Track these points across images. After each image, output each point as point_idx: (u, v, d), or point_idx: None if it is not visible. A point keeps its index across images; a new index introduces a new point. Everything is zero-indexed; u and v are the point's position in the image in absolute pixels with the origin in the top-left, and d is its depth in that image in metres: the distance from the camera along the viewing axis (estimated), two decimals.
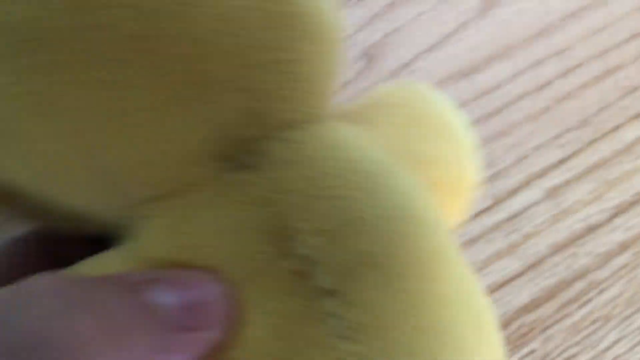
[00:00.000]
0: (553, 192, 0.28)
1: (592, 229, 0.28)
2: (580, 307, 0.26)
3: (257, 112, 0.15)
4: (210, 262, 0.15)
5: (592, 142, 0.29)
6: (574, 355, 0.26)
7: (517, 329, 0.26)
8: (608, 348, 0.26)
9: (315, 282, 0.15)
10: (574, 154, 0.29)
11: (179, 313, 0.14)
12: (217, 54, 0.14)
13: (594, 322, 0.26)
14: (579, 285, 0.27)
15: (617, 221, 0.28)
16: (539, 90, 0.30)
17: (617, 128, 0.29)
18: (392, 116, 0.19)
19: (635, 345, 0.26)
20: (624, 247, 0.28)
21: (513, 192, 0.28)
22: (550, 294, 0.26)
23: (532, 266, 0.27)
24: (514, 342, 0.26)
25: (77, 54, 0.13)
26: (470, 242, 0.27)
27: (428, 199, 0.17)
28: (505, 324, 0.26)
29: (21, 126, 0.14)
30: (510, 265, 0.27)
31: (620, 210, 0.28)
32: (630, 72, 0.31)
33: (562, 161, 0.29)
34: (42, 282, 0.13)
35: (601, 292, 0.27)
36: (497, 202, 0.28)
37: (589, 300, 0.27)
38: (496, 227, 0.28)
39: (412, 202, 0.16)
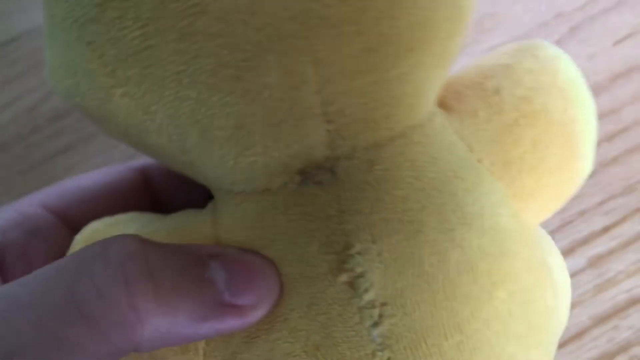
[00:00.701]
0: (596, 261, 0.28)
1: (635, 301, 0.27)
2: None
3: (344, 135, 0.16)
4: (270, 255, 0.17)
5: (637, 211, 0.29)
6: None
7: None
8: None
9: (364, 298, 0.16)
10: (619, 221, 0.29)
11: (230, 289, 0.16)
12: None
13: None
14: None
15: None
16: None
17: None
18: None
19: None
20: None
21: None
22: None
23: (574, 338, 0.26)
24: None
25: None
26: None
27: (506, 209, 0.17)
28: None
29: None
30: None
31: None
32: None
33: (606, 229, 0.28)
34: (124, 245, 0.15)
35: None
36: None
37: None
38: None
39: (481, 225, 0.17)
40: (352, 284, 0.16)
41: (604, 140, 0.30)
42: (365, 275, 0.16)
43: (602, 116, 0.31)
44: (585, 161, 0.19)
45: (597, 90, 0.32)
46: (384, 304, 0.16)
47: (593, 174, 0.30)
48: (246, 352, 0.17)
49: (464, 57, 0.33)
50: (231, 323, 0.16)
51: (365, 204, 0.16)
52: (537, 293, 0.17)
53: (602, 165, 0.30)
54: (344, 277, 0.16)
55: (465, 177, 0.17)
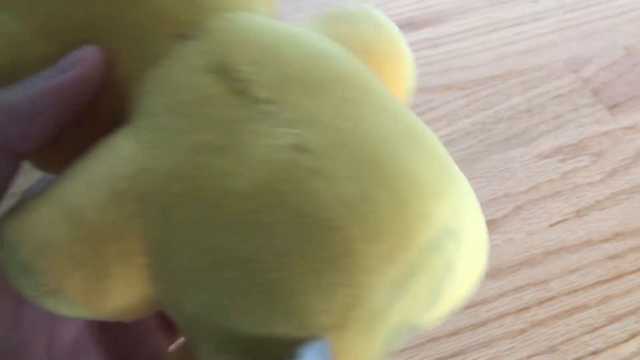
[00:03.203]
0: None
1: None
2: None
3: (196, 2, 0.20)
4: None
5: None
6: None
7: None
8: None
9: (252, 94, 0.19)
10: None
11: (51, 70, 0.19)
12: None
13: None
14: None
15: None
16: (519, 312, 0.36)
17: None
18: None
19: None
20: None
21: None
22: None
23: None
24: None
25: None
26: None
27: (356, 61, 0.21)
28: None
29: None
30: None
31: None
32: (593, 314, 0.36)
33: None
34: None
35: None
36: None
37: None
38: None
39: (336, 52, 0.20)
40: (240, 90, 0.19)
41: (534, 305, 0.36)
42: (248, 79, 0.19)
43: (534, 285, 0.37)
44: (409, 79, 0.25)
45: (532, 262, 0.38)
46: (272, 102, 0.19)
47: (524, 332, 0.35)
48: None
49: None
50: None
51: (234, 40, 0.20)
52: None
53: (532, 325, 0.35)
54: (231, 85, 0.19)
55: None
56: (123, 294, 0.18)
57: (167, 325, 0.26)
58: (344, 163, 0.18)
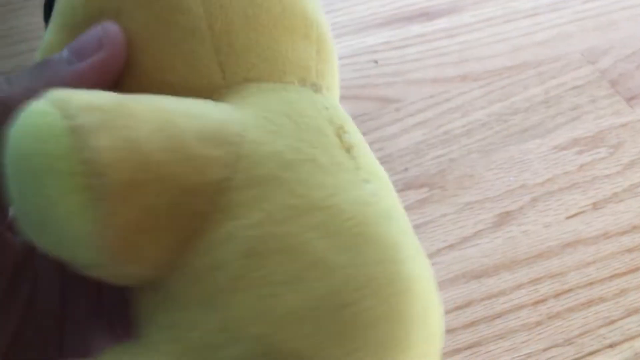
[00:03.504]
0: None
1: None
2: None
3: None
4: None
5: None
6: None
7: None
8: None
9: (356, 158, 0.18)
10: None
11: (69, 55, 0.18)
12: None
13: None
14: None
15: None
16: (535, 305, 0.36)
17: (595, 353, 0.34)
18: None
19: None
20: None
21: None
22: None
23: None
24: None
25: None
26: None
27: None
28: None
29: None
30: None
31: None
32: (610, 306, 0.36)
33: None
34: None
35: None
36: None
37: None
38: None
39: None
40: None
41: (551, 297, 0.36)
42: None
43: (551, 277, 0.37)
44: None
45: (549, 254, 0.38)
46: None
47: (540, 324, 0.35)
48: None
49: (444, 207, 0.39)
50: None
51: None
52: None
53: (548, 318, 0.35)
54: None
55: None
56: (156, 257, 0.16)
57: None
58: None
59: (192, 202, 0.16)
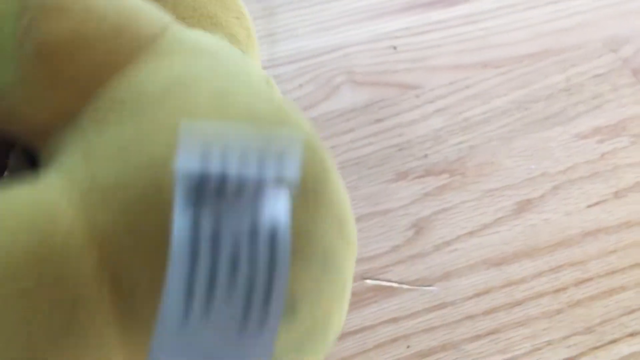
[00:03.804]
0: None
1: None
2: None
3: None
4: None
5: (593, 349, 0.34)
6: None
7: None
8: None
9: None
10: (578, 356, 0.33)
11: None
12: None
13: None
14: None
15: None
16: (556, 293, 0.35)
17: (616, 341, 0.34)
18: None
19: None
20: None
21: None
22: None
23: None
24: None
25: None
26: None
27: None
28: None
29: None
30: None
31: None
32: (631, 295, 0.36)
33: None
34: None
35: None
36: None
37: None
38: None
39: None
40: None
41: (571, 285, 0.36)
42: None
43: (571, 265, 0.37)
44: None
45: (569, 242, 0.38)
46: None
47: (560, 312, 0.35)
48: None
49: (464, 193, 0.39)
50: None
51: None
52: None
53: (569, 306, 0.35)
54: None
55: None
56: None
57: None
58: None
59: (118, 43, 0.17)
